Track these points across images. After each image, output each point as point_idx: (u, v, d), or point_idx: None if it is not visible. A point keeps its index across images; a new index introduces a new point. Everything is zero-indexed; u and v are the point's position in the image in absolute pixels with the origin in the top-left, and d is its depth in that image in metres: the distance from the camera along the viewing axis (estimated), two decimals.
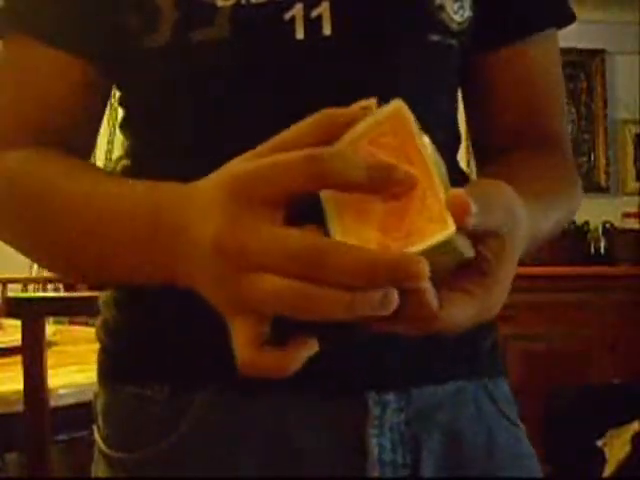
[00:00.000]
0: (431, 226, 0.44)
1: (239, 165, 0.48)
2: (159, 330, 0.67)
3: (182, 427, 0.65)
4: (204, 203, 0.49)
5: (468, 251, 0.46)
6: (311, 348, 0.46)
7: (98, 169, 0.67)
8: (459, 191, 0.45)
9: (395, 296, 0.43)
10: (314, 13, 0.63)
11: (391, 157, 0.46)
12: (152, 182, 0.57)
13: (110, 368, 0.72)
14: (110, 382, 0.71)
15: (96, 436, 0.72)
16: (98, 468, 0.71)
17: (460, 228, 0.44)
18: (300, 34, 0.63)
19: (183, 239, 0.51)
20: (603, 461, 2.92)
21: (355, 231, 0.46)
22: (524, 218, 0.53)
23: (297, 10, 0.63)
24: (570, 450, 3.12)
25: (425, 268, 0.42)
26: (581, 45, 3.86)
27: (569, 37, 3.91)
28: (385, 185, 0.45)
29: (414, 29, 0.67)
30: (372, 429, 0.64)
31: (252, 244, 0.45)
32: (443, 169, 0.47)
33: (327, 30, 0.63)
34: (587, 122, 3.95)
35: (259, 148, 0.49)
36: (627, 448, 2.86)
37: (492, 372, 0.72)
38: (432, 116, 0.69)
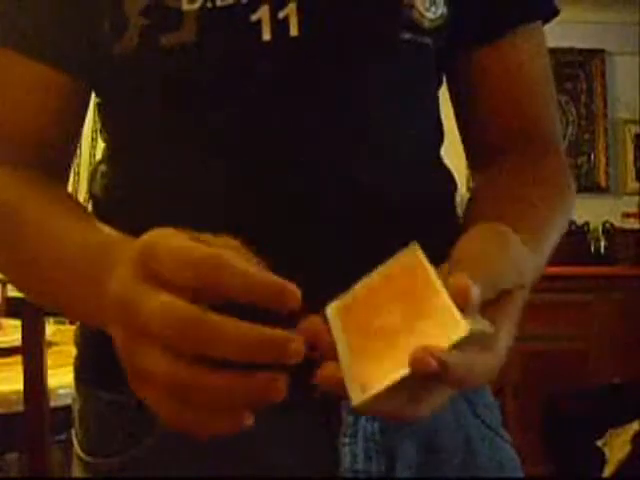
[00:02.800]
0: (445, 330, 0.45)
1: (159, 236, 0.46)
2: None
3: (154, 434, 0.64)
4: (116, 258, 0.49)
5: (488, 328, 0.48)
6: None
7: (63, 201, 0.66)
8: (461, 280, 0.46)
9: (282, 383, 0.42)
10: (281, 14, 0.63)
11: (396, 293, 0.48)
12: (96, 237, 0.58)
13: (84, 373, 0.72)
14: (85, 387, 0.71)
15: (73, 439, 0.72)
16: (75, 471, 0.71)
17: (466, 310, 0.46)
18: (267, 35, 0.62)
19: (100, 290, 0.50)
20: (603, 461, 2.92)
21: (367, 351, 0.46)
22: (528, 270, 0.54)
23: (263, 12, 0.62)
24: (570, 450, 3.12)
25: (299, 347, 0.42)
26: (581, 45, 3.86)
27: (569, 37, 3.88)
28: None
29: (383, 28, 0.66)
30: (345, 438, 0.63)
31: (142, 307, 0.43)
32: None
33: (294, 31, 0.63)
34: (587, 122, 3.95)
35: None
36: (627, 448, 2.86)
37: None
38: (406, 115, 0.69)
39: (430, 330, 0.46)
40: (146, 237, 0.47)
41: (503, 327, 0.49)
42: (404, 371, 0.44)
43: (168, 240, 0.45)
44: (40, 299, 0.67)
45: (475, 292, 0.46)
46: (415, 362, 0.43)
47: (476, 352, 0.46)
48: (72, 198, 0.68)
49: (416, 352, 0.43)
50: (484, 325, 0.48)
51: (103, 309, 0.49)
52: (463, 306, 0.45)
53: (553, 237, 0.68)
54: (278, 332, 0.42)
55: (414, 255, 0.50)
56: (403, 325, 0.47)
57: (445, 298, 0.46)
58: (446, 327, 0.45)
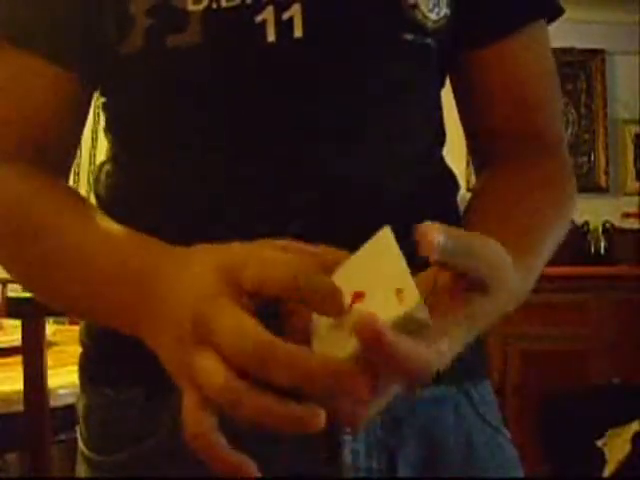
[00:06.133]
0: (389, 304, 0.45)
1: (234, 247, 0.50)
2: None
3: (158, 431, 0.65)
4: (192, 272, 0.50)
5: (426, 319, 0.46)
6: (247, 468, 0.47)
7: (85, 208, 0.66)
8: (427, 225, 0.46)
9: (320, 418, 0.44)
10: (285, 15, 0.63)
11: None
12: (140, 242, 0.58)
13: (89, 371, 0.72)
14: (89, 385, 0.71)
15: (78, 438, 0.72)
16: (80, 469, 0.72)
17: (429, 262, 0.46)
18: (271, 37, 0.63)
19: (160, 297, 0.52)
20: (603, 461, 2.92)
21: (330, 339, 0.47)
22: (511, 278, 0.52)
23: (268, 13, 0.63)
24: (570, 450, 3.12)
25: (361, 382, 0.43)
26: (581, 45, 3.86)
27: (569, 37, 3.88)
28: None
29: (386, 29, 0.66)
30: (346, 435, 0.63)
31: (217, 322, 0.46)
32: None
33: (298, 32, 0.63)
34: (587, 122, 3.95)
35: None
36: (627, 448, 2.86)
37: (474, 376, 0.71)
38: (407, 115, 0.69)
39: (375, 306, 0.45)
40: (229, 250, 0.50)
41: (454, 327, 0.49)
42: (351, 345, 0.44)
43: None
44: (54, 298, 0.67)
45: (439, 237, 0.45)
46: (358, 332, 0.43)
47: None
48: (77, 194, 0.68)
49: (357, 324, 0.43)
50: (425, 314, 0.46)
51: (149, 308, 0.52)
52: (427, 252, 0.45)
53: (549, 246, 0.69)
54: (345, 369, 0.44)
55: (385, 239, 0.49)
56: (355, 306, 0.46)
57: (405, 275, 0.46)
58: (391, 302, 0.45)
